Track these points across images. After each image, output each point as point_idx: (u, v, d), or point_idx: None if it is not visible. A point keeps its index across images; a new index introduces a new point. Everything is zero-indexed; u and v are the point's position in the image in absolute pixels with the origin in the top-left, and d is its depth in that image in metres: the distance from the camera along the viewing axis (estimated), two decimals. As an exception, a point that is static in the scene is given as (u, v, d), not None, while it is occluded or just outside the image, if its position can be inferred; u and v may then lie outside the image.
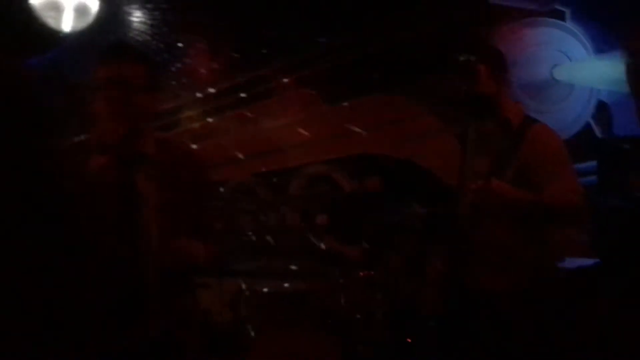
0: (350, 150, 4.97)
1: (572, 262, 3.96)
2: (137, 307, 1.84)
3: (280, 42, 4.89)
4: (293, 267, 4.00)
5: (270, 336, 3.67)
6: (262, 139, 5.03)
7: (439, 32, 4.57)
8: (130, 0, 4.99)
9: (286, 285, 3.88)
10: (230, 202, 4.91)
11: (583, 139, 5.02)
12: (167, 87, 5.08)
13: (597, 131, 5.17)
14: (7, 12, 4.41)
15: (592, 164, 4.51)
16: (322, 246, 4.18)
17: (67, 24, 4.72)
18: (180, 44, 4.91)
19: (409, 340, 3.56)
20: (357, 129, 4.94)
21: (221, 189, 5.09)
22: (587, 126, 5.13)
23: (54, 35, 4.73)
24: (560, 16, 5.28)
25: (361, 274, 3.77)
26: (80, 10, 4.71)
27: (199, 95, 5.02)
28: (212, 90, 4.93)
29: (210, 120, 4.92)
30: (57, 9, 4.64)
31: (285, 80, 5.05)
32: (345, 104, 5.05)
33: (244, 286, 3.84)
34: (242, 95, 4.97)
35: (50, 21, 4.65)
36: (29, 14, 4.55)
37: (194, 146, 4.97)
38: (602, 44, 5.08)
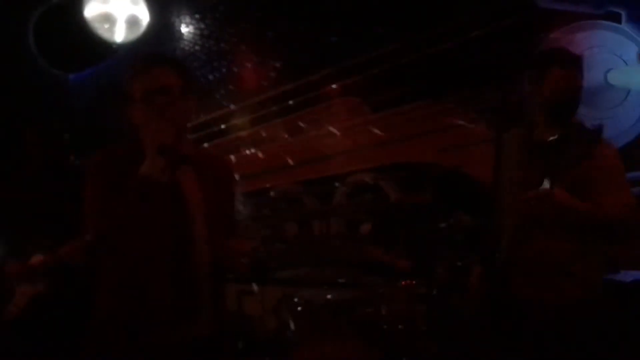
0: (397, 158, 4.92)
1: (627, 275, 3.81)
2: (189, 305, 1.89)
3: (326, 50, 4.90)
4: (336, 276, 3.99)
5: (311, 345, 3.66)
6: (308, 146, 5.04)
7: (487, 38, 4.48)
8: (179, 11, 5.10)
9: (329, 294, 3.86)
10: (276, 209, 4.94)
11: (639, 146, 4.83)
12: (214, 95, 5.18)
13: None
14: (62, 24, 4.58)
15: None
16: (366, 256, 4.15)
17: (119, 35, 4.86)
18: (227, 53, 4.98)
19: (453, 353, 3.49)
20: (403, 137, 4.90)
21: (267, 197, 5.13)
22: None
23: (108, 47, 4.88)
24: (616, 19, 5.10)
25: (403, 283, 3.72)
26: (132, 22, 4.85)
27: (245, 103, 5.07)
28: (258, 98, 4.98)
29: (256, 128, 4.96)
30: (110, 21, 4.79)
31: (331, 87, 5.05)
32: (392, 111, 5.01)
33: (287, 294, 3.85)
34: (288, 103, 5.00)
35: (103, 33, 4.80)
36: (83, 26, 4.70)
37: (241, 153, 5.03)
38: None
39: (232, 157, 4.84)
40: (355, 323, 3.75)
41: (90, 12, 4.76)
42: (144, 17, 4.89)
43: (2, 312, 2.83)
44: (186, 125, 1.99)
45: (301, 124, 5.10)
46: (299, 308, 3.81)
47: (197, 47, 5.07)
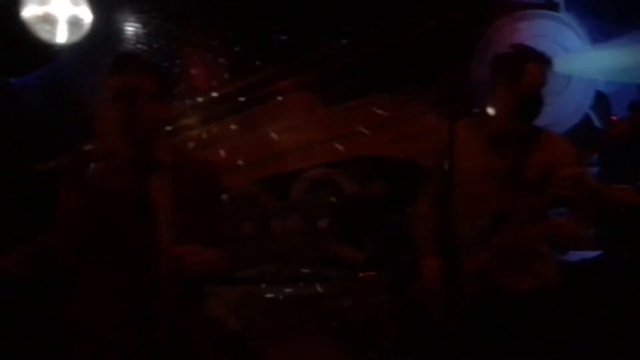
0: (352, 152, 4.95)
1: (576, 255, 3.95)
2: (148, 312, 1.86)
3: (277, 46, 4.87)
4: (298, 272, 3.99)
5: (276, 342, 3.66)
6: (262, 144, 5.01)
7: (437, 29, 4.55)
8: (123, 10, 4.97)
9: (291, 290, 3.87)
10: (233, 209, 4.90)
11: (583, 130, 5.01)
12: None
13: (597, 122, 5.16)
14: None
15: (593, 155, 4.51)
16: (326, 250, 4.17)
17: (61, 36, 4.70)
18: (175, 52, 4.89)
19: (418, 344, 3.54)
20: (357, 130, 4.93)
21: (224, 196, 5.07)
22: (587, 117, 5.12)
23: (50, 49, 4.71)
24: (555, 8, 5.27)
25: (362, 275, 3.75)
26: (74, 23, 4.69)
27: (197, 102, 5.00)
28: (210, 96, 4.91)
29: (209, 127, 4.90)
30: (51, 22, 4.62)
31: (284, 83, 5.03)
32: (345, 105, 5.04)
33: (249, 292, 3.83)
34: (241, 100, 4.95)
35: (44, 34, 4.63)
36: (21, 28, 4.53)
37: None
38: (597, 35, 5.07)
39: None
40: (319, 317, 3.77)
41: (28, 13, 4.58)
42: (86, 17, 4.74)
43: None
44: (159, 129, 1.94)
45: (255, 122, 5.06)
46: (262, 306, 3.81)
47: (143, 47, 4.96)
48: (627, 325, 3.41)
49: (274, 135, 4.97)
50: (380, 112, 4.86)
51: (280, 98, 5.05)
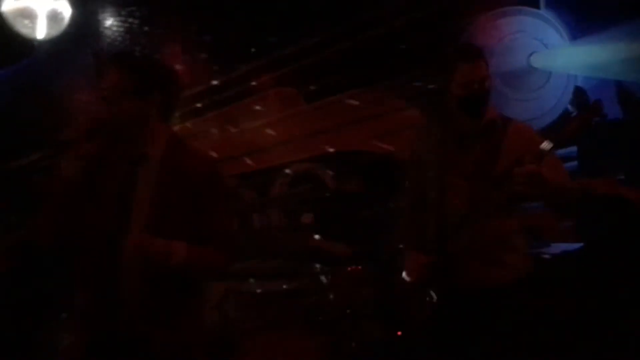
0: (332, 147, 4.96)
1: (557, 247, 3.99)
2: (115, 305, 1.88)
3: (256, 41, 4.86)
4: (279, 267, 3.98)
5: (258, 336, 3.66)
6: (243, 139, 5.00)
7: (416, 25, 4.57)
8: (103, 4, 4.93)
9: (273, 285, 3.86)
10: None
11: (562, 125, 5.05)
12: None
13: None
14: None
15: (572, 149, 4.55)
16: (309, 245, 4.17)
17: (41, 31, 4.65)
18: (155, 47, 4.86)
19: (400, 336, 3.55)
20: (338, 125, 4.93)
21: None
22: (566, 112, 5.18)
23: (28, 44, 4.66)
24: (535, 4, 5.31)
25: (348, 269, 3.76)
26: (53, 17, 4.65)
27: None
28: (189, 92, 4.89)
29: (188, 123, 4.87)
30: (30, 16, 4.57)
31: (265, 79, 5.02)
32: (326, 100, 5.04)
33: (230, 288, 3.81)
34: (220, 96, 4.93)
35: (23, 29, 4.58)
36: (0, 21, 4.48)
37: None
38: (576, 31, 5.13)
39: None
40: (302, 312, 3.77)
41: (7, 7, 4.53)
42: (66, 11, 4.70)
43: None
44: (141, 124, 1.95)
45: (235, 117, 5.05)
46: (244, 301, 3.80)
47: (123, 42, 4.92)
48: (608, 317, 3.45)
49: (254, 131, 4.95)
50: (360, 107, 4.87)
51: (260, 93, 5.04)
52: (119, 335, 1.90)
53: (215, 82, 4.92)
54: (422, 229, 2.53)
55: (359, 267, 3.79)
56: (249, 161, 4.96)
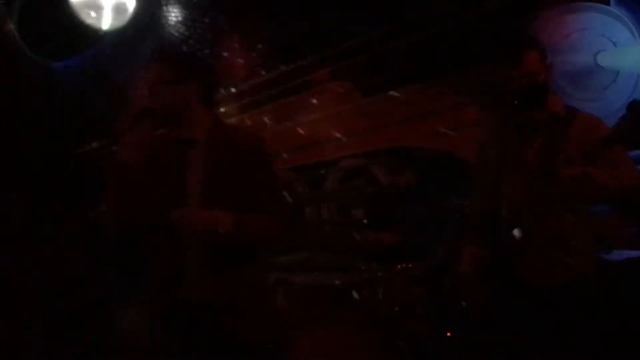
0: (388, 142, 4.91)
1: (621, 254, 3.83)
2: (179, 274, 2.07)
3: (315, 35, 4.86)
4: (329, 261, 3.99)
5: (307, 330, 3.66)
6: (298, 133, 5.01)
7: (478, 20, 4.47)
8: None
9: (323, 278, 3.86)
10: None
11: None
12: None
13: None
14: (46, 11, 4.50)
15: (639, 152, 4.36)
16: (359, 240, 4.15)
17: (106, 22, 4.80)
18: (216, 39, 4.93)
19: (450, 335, 3.50)
20: (394, 121, 4.88)
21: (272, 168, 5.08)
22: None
23: (94, 34, 4.81)
24: (605, 0, 5.11)
25: (399, 266, 3.72)
26: (119, 9, 4.79)
27: (235, 90, 5.03)
28: (248, 84, 4.94)
29: (245, 115, 4.92)
30: (96, 8, 4.73)
31: (322, 72, 5.01)
32: (383, 95, 4.99)
33: (280, 279, 3.84)
34: (278, 89, 4.96)
35: (89, 20, 4.73)
36: (68, 13, 4.63)
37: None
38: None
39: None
40: (352, 307, 3.76)
41: (75, -1, 4.69)
42: (131, 3, 4.83)
43: None
44: (181, 108, 2.14)
45: (291, 110, 5.07)
46: (294, 293, 3.81)
47: (185, 34, 5.01)
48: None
49: (309, 125, 4.96)
50: (417, 103, 4.80)
51: (317, 87, 5.05)
52: (184, 302, 2.06)
53: (272, 75, 4.95)
54: (481, 223, 2.50)
55: (410, 265, 3.74)
56: (303, 155, 4.98)
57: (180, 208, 2.05)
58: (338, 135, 4.86)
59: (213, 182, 2.09)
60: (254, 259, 2.18)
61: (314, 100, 5.05)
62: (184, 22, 5.06)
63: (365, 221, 4.23)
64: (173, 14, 5.09)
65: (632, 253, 3.80)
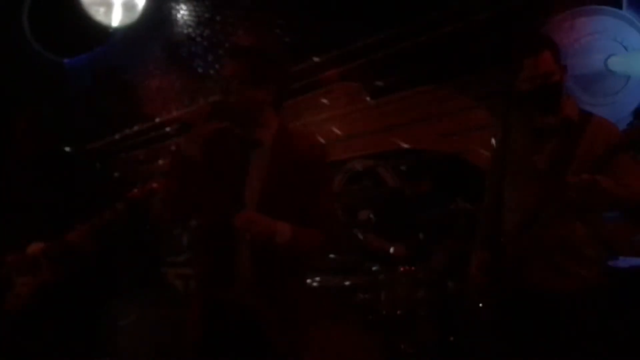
0: (395, 144, 4.89)
1: (627, 261, 3.80)
2: (229, 277, 2.04)
3: (323, 35, 4.85)
4: (334, 262, 3.97)
5: (311, 330, 3.65)
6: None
7: (489, 21, 4.44)
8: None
9: (328, 280, 3.86)
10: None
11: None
12: (211, 80, 5.12)
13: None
14: (57, 8, 4.52)
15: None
16: (365, 242, 4.14)
17: (116, 19, 4.81)
18: (225, 37, 4.93)
19: (452, 339, 3.49)
20: (402, 123, 4.86)
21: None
22: (645, 120, 4.92)
23: (104, 31, 4.82)
24: (617, 3, 5.06)
25: (402, 269, 3.70)
26: (128, 6, 4.80)
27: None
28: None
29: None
30: (106, 5, 4.74)
31: (330, 73, 5.00)
32: (391, 97, 4.97)
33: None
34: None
35: (99, 17, 4.75)
36: (78, 10, 4.65)
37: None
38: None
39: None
40: (355, 308, 3.75)
41: (85, -5, 4.70)
42: (140, 0, 4.84)
43: (3, 303, 2.80)
44: (255, 111, 2.09)
45: (298, 111, 5.06)
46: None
47: (194, 31, 5.02)
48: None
49: (317, 125, 4.95)
50: (426, 105, 4.77)
51: (325, 87, 5.03)
52: (231, 305, 2.05)
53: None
54: (491, 228, 2.47)
55: (413, 268, 3.72)
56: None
57: (243, 211, 2.01)
58: (345, 136, 4.86)
59: (272, 187, 2.07)
60: (302, 270, 2.18)
61: (324, 100, 5.05)
62: (193, 20, 5.07)
63: (370, 223, 4.21)
64: (182, 11, 5.10)
65: (637, 261, 3.76)
